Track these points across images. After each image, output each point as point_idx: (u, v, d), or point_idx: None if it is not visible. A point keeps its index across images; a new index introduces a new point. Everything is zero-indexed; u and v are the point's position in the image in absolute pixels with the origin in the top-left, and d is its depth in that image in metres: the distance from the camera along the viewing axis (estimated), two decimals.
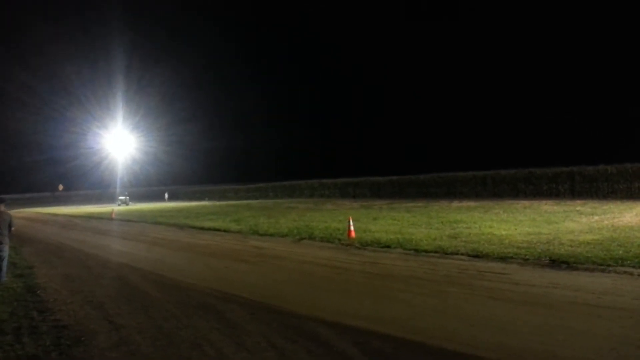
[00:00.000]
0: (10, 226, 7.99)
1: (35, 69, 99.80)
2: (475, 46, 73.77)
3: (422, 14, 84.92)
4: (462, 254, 8.58)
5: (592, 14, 55.58)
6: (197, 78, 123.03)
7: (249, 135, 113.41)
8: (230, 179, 73.74)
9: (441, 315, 5.10)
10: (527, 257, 7.88)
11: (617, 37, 52.44)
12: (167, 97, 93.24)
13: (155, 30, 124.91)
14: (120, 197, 52.02)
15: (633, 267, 6.71)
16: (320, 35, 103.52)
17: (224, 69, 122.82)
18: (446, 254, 8.78)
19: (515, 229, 11.48)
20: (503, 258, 7.96)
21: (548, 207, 17.28)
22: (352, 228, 11.85)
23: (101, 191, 77.03)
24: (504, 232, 10.97)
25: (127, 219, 24.72)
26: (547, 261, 7.52)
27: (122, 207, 43.18)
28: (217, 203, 41.96)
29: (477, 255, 8.34)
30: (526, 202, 20.33)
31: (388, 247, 9.96)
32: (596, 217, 13.26)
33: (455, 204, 22.28)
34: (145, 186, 78.48)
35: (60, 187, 77.70)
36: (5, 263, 7.93)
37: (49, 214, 37.58)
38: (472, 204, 21.50)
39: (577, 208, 16.28)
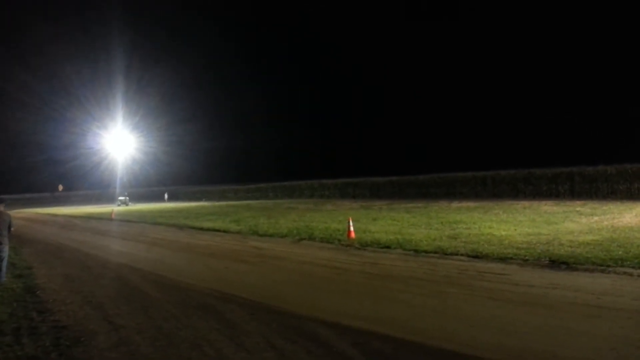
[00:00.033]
0: (9, 227, 7.99)
1: (35, 69, 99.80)
2: (475, 46, 73.79)
3: (422, 14, 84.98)
4: (461, 255, 8.58)
5: (592, 14, 55.66)
6: (197, 78, 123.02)
7: (248, 135, 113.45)
8: (230, 179, 73.71)
9: (441, 315, 5.10)
10: (526, 257, 7.88)
11: (617, 37, 52.52)
12: (166, 97, 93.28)
13: (155, 30, 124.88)
14: (120, 198, 51.96)
15: (633, 267, 6.72)
16: (320, 35, 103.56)
17: (224, 69, 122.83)
18: (446, 254, 8.78)
19: (515, 230, 11.48)
20: (503, 259, 7.97)
21: (548, 208, 17.29)
22: (351, 228, 11.84)
23: (101, 191, 77.00)
24: (503, 233, 10.97)
25: (127, 220, 24.72)
26: (547, 262, 7.52)
27: (122, 208, 43.15)
28: (217, 203, 41.95)
29: (476, 256, 8.34)
30: (526, 203, 20.34)
31: (388, 247, 9.96)
32: (596, 218, 13.27)
33: (455, 204, 22.29)
34: (145, 186, 78.44)
35: (60, 187, 77.70)
36: (4, 263, 7.93)
37: (48, 214, 37.56)
38: (471, 204, 21.51)
39: (577, 209, 16.29)
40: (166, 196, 60.24)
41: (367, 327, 4.74)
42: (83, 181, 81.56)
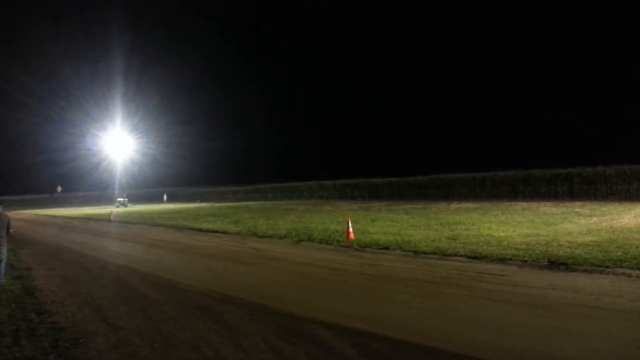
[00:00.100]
0: (8, 228, 7.98)
1: (35, 69, 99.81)
2: (475, 46, 74.00)
3: (422, 14, 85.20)
4: (460, 256, 8.58)
5: (592, 14, 55.82)
6: (197, 78, 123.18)
7: (248, 136, 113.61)
8: (230, 180, 73.74)
9: (440, 316, 5.10)
10: (525, 258, 7.89)
11: (616, 38, 52.65)
12: (166, 98, 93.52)
13: (155, 30, 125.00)
14: (119, 199, 51.93)
15: (631, 268, 6.73)
16: (320, 35, 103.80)
17: (224, 69, 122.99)
18: (445, 255, 8.78)
19: (514, 231, 11.49)
20: (502, 259, 7.97)
21: (546, 209, 17.31)
22: (350, 230, 11.85)
23: (100, 193, 76.94)
24: (502, 234, 10.98)
25: (126, 221, 24.69)
26: (546, 263, 7.53)
27: (121, 209, 43.11)
28: (216, 205, 41.92)
29: (475, 257, 8.34)
30: (525, 204, 20.36)
31: (387, 248, 9.96)
32: (594, 219, 13.29)
33: (454, 205, 22.30)
34: (144, 188, 78.35)
35: (59, 188, 77.52)
36: (3, 265, 7.92)
37: (47, 215, 37.50)
38: (470, 205, 21.53)
39: (576, 209, 16.31)
40: (165, 197, 60.19)
41: (366, 328, 4.74)
42: (82, 182, 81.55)
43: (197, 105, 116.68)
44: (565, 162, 24.36)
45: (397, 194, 32.27)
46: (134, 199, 63.36)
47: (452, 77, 71.72)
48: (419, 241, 10.42)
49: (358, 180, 36.87)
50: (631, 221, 12.26)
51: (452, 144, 61.42)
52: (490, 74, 65.66)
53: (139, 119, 69.42)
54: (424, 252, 9.16)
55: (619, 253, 7.73)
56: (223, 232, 15.63)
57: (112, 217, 27.00)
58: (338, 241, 11.41)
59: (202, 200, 54.89)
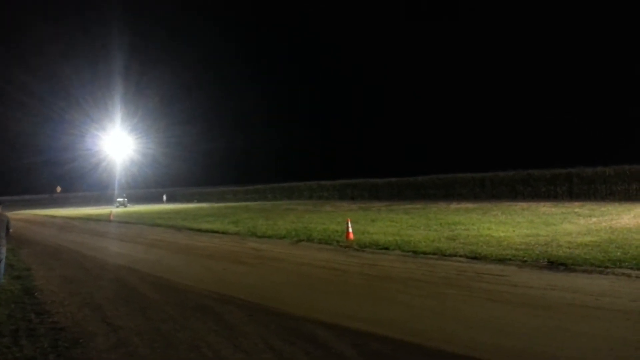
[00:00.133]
0: (7, 228, 7.98)
1: (34, 70, 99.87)
2: (475, 46, 74.08)
3: (422, 14, 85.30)
4: (460, 256, 8.59)
5: (592, 14, 55.86)
6: (197, 79, 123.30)
7: (248, 136, 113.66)
8: (230, 180, 73.78)
9: (439, 317, 5.10)
10: (525, 258, 7.89)
11: (616, 38, 52.69)
12: (165, 98, 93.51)
13: (155, 31, 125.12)
14: (119, 199, 51.93)
15: (631, 268, 6.73)
16: (320, 35, 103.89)
17: (224, 69, 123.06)
18: (444, 255, 8.78)
19: (514, 231, 11.49)
20: (501, 260, 7.97)
21: (546, 209, 17.32)
22: (350, 230, 11.85)
23: (99, 193, 76.93)
24: (502, 234, 10.98)
25: (125, 221, 24.68)
26: (545, 263, 7.53)
27: (120, 209, 43.10)
28: (216, 205, 41.91)
29: (475, 257, 8.35)
30: (524, 204, 20.37)
31: (386, 248, 9.96)
32: (594, 219, 13.29)
33: (454, 205, 22.31)
34: (144, 188, 78.38)
35: (59, 188, 77.50)
36: (3, 265, 7.91)
37: (47, 215, 37.48)
38: (470, 205, 21.53)
39: (575, 210, 16.32)
40: (165, 198, 60.18)
41: (365, 329, 4.74)
42: (81, 183, 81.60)
43: (197, 105, 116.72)
44: (564, 163, 24.40)
45: (396, 194, 32.27)
46: (134, 199, 63.33)
47: (452, 77, 71.83)
48: (418, 241, 10.42)
49: (358, 180, 36.88)
50: (631, 221, 12.26)
51: (452, 144, 61.49)
52: (490, 74, 65.75)
53: (138, 119, 69.51)
54: (424, 253, 9.16)
55: (618, 253, 7.73)
56: (223, 233, 15.63)
57: (111, 217, 26.99)
58: (338, 241, 11.41)
59: (202, 201, 54.88)
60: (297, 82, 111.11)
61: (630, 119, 41.67)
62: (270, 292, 6.69)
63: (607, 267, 6.90)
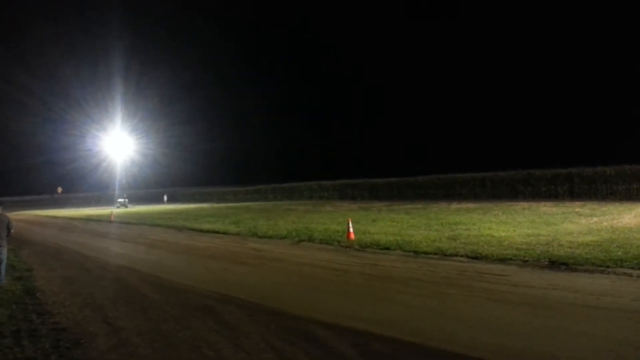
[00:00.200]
0: (9, 229, 8.00)
1: (34, 70, 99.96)
2: (475, 46, 74.03)
3: (422, 14, 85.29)
4: (461, 256, 8.58)
5: (592, 14, 55.82)
6: (197, 79, 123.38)
7: (248, 136, 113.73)
8: (230, 181, 73.82)
9: (440, 316, 5.10)
10: (526, 258, 7.88)
11: (617, 37, 52.64)
12: (166, 98, 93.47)
13: (155, 31, 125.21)
14: (119, 200, 51.98)
15: (632, 268, 6.72)
16: (320, 35, 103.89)
17: (224, 69, 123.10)
18: (445, 255, 8.78)
19: (514, 231, 11.49)
20: (502, 259, 7.97)
21: (547, 209, 17.31)
22: (351, 230, 11.85)
23: (100, 193, 76.98)
24: (503, 234, 10.98)
25: (126, 222, 24.70)
26: (546, 262, 7.52)
27: (121, 210, 43.14)
28: (216, 205, 41.92)
29: (476, 257, 8.34)
30: (525, 204, 20.36)
31: (387, 248, 9.96)
32: (595, 219, 13.28)
33: (454, 205, 22.30)
34: (144, 188, 78.40)
35: (59, 189, 77.63)
36: (4, 265, 7.94)
37: (47, 216, 37.52)
38: (471, 205, 21.52)
39: (576, 209, 16.31)
40: (165, 198, 60.22)
41: (366, 328, 4.74)
42: (82, 183, 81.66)
43: (197, 105, 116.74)
44: (565, 162, 24.39)
45: (397, 194, 32.25)
46: (134, 199, 63.37)
47: (452, 77, 71.79)
48: (419, 241, 10.42)
49: (358, 180, 36.85)
50: (632, 221, 12.25)
51: (452, 144, 61.46)
52: (490, 74, 65.71)
53: (138, 120, 69.56)
54: (425, 252, 9.16)
55: (619, 253, 7.72)
56: (223, 233, 15.63)
57: (112, 218, 27.01)
58: (338, 241, 11.41)
59: (202, 201, 54.89)
60: (297, 82, 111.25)
61: (630, 119, 41.66)
62: (271, 292, 6.69)
63: (608, 267, 6.89)
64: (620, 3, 58.68)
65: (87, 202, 70.60)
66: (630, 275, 6.44)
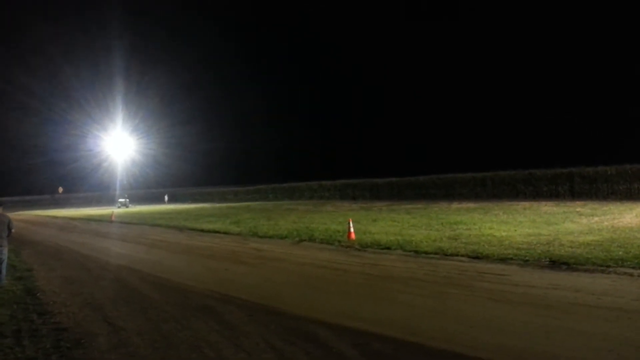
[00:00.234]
0: (9, 228, 8.00)
1: (35, 70, 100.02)
2: (475, 46, 74.02)
3: (422, 14, 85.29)
4: (462, 256, 8.58)
5: (592, 14, 55.76)
6: (197, 79, 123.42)
7: (248, 136, 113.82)
8: (230, 181, 73.86)
9: (441, 316, 5.10)
10: (527, 258, 7.87)
11: (617, 37, 52.59)
12: (166, 98, 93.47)
13: (155, 31, 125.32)
14: (120, 200, 52.04)
15: (633, 268, 6.71)
16: (320, 35, 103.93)
17: (224, 69, 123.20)
18: (446, 255, 8.77)
19: (515, 230, 11.48)
20: (503, 259, 7.96)
21: (548, 208, 17.29)
22: (352, 230, 11.84)
23: (101, 193, 77.01)
24: (503, 234, 10.97)
25: (127, 222, 24.71)
26: (547, 262, 7.51)
27: (122, 210, 43.18)
28: (217, 205, 41.93)
29: (477, 257, 8.34)
30: (526, 203, 20.34)
31: (388, 248, 9.95)
32: (596, 218, 13.27)
33: (455, 205, 22.29)
34: (145, 188, 78.47)
35: (60, 189, 77.66)
36: (4, 265, 7.93)
37: (48, 216, 37.55)
38: (471, 205, 21.51)
39: (577, 209, 16.29)
40: (166, 198, 60.26)
41: (366, 328, 4.74)
42: (83, 183, 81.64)
43: (197, 105, 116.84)
44: (566, 162, 24.34)
45: (397, 194, 32.24)
46: (135, 199, 63.42)
47: (452, 77, 71.76)
48: (420, 241, 10.41)
49: (359, 180, 36.84)
50: (633, 220, 12.23)
51: (452, 144, 61.42)
52: (491, 74, 65.67)
53: (139, 120, 69.62)
54: (425, 252, 9.15)
55: (620, 252, 7.71)
56: (224, 233, 15.64)
57: (113, 218, 27.02)
58: (339, 241, 11.41)
59: (203, 201, 54.90)
60: (297, 82, 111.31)
61: (630, 119, 41.60)
62: (272, 292, 6.69)
63: (609, 267, 6.88)
64: (620, 3, 58.65)
65: (87, 202, 70.68)
66: (631, 274, 6.43)
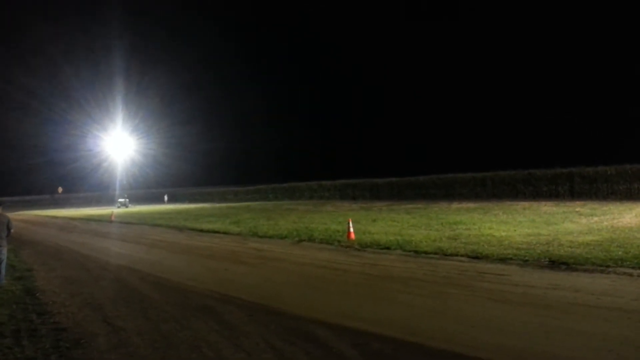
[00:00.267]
0: (9, 228, 8.00)
1: (35, 70, 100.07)
2: (475, 46, 74.01)
3: (422, 14, 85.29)
4: (461, 256, 8.58)
5: (592, 14, 55.77)
6: (197, 79, 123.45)
7: (248, 136, 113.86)
8: (230, 181, 73.86)
9: (441, 316, 5.10)
10: (526, 258, 7.88)
11: (617, 37, 52.59)
12: (166, 99, 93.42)
13: (155, 31, 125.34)
14: (120, 200, 52.04)
15: (632, 268, 6.72)
16: (320, 35, 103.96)
17: (224, 69, 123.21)
18: (446, 255, 8.77)
19: (515, 230, 11.48)
20: (503, 259, 7.96)
21: (547, 208, 17.29)
22: (351, 230, 11.84)
23: (100, 193, 77.01)
24: (503, 234, 10.97)
25: (127, 222, 24.71)
26: (547, 262, 7.52)
27: (122, 210, 43.17)
28: (217, 205, 41.93)
29: (476, 257, 8.34)
30: (525, 203, 20.34)
31: (388, 248, 9.95)
32: (595, 218, 13.27)
33: (455, 205, 22.29)
34: (145, 188, 78.45)
35: (60, 189, 77.59)
36: (4, 265, 7.94)
37: (48, 216, 37.54)
38: (471, 205, 21.52)
39: (577, 209, 16.30)
40: (166, 198, 60.25)
41: (366, 328, 4.74)
42: (83, 183, 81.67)
43: (197, 105, 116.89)
44: (566, 162, 24.33)
45: (397, 194, 32.24)
46: (135, 199, 63.41)
47: (452, 77, 71.77)
48: (420, 241, 10.41)
49: (358, 180, 36.85)
50: (632, 220, 12.24)
51: (452, 144, 61.41)
52: (491, 74, 65.68)
53: (139, 120, 69.60)
54: (425, 252, 9.15)
55: (620, 252, 7.72)
56: (224, 233, 15.63)
57: (113, 218, 27.02)
58: (339, 241, 11.41)
59: (203, 201, 54.91)
60: (297, 82, 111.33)
61: (630, 119, 41.61)
62: (271, 292, 6.69)
63: (608, 267, 6.88)
64: (620, 3, 58.67)
65: (87, 202, 70.66)
66: (631, 274, 6.44)
